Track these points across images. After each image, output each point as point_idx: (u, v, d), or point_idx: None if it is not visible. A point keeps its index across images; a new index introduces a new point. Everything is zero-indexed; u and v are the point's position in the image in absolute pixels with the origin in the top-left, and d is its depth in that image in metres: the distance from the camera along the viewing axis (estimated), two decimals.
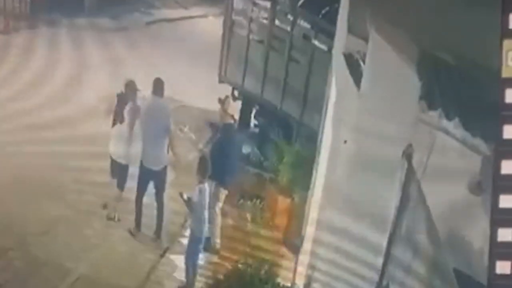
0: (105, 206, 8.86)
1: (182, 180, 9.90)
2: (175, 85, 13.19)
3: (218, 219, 8.58)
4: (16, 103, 12.03)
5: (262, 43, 11.21)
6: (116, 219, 8.78)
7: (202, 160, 8.05)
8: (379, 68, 5.95)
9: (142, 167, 8.56)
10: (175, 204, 8.73)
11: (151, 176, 8.58)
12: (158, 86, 8.65)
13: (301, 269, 7.48)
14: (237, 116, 11.06)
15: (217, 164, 8.34)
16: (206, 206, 7.72)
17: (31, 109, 11.83)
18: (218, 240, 8.55)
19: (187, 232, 8.37)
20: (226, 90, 11.86)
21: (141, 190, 8.61)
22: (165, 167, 8.65)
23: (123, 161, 8.70)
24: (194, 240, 7.76)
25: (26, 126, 11.05)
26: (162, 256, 8.36)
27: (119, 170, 8.73)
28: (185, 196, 7.58)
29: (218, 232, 8.56)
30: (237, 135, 9.11)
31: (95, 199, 9.09)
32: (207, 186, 7.75)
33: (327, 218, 6.99)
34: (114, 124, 8.73)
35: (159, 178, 8.60)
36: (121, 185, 8.75)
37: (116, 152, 8.69)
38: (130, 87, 8.70)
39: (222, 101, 8.83)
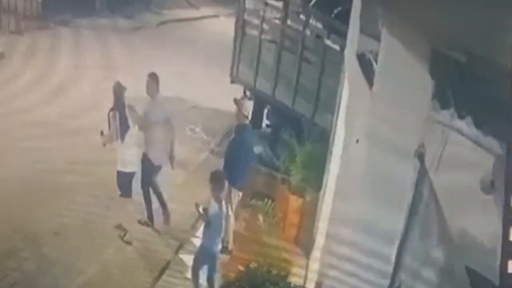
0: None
1: (193, 181, 9.94)
2: (187, 85, 13.25)
3: (232, 220, 8.56)
4: (28, 102, 12.10)
5: (274, 43, 11.18)
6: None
7: (216, 174, 7.49)
8: (391, 67, 5.93)
9: (144, 157, 8.61)
10: (186, 204, 8.74)
11: (151, 168, 8.63)
12: (152, 81, 8.66)
13: (313, 270, 7.46)
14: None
15: (231, 164, 8.33)
16: (223, 224, 7.40)
17: (43, 108, 11.89)
18: (230, 241, 8.54)
19: (199, 232, 8.36)
20: (238, 90, 11.89)
21: (145, 179, 8.67)
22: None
23: (132, 169, 8.70)
24: (206, 253, 7.36)
25: (38, 125, 11.10)
26: (172, 256, 8.36)
27: (124, 179, 8.73)
28: (200, 209, 7.27)
29: (231, 232, 8.55)
30: (251, 136, 9.09)
31: (106, 199, 9.10)
32: (224, 204, 7.43)
33: (340, 218, 6.97)
34: (122, 139, 8.67)
35: (156, 170, 8.66)
36: (128, 194, 8.74)
37: (125, 162, 8.68)
38: (120, 88, 8.67)
39: (238, 101, 8.78)
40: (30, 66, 13.95)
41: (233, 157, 8.43)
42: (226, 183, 7.45)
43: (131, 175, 8.84)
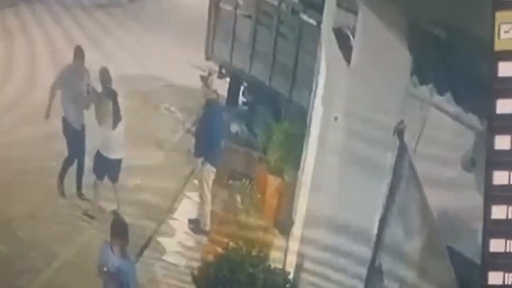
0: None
1: (169, 160, 9.83)
2: (160, 63, 13.07)
3: (208, 200, 8.49)
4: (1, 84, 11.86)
5: (250, 18, 11.04)
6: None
7: (117, 222, 6.46)
8: (369, 42, 5.85)
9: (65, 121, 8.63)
10: (162, 184, 8.64)
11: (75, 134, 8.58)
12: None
13: (292, 250, 7.42)
14: (224, 93, 10.93)
15: (203, 141, 8.28)
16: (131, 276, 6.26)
17: (15, 90, 11.65)
18: (208, 222, 8.48)
19: (176, 214, 8.29)
20: (213, 67, 11.73)
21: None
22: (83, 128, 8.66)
23: (119, 156, 8.52)
24: None
25: (9, 108, 10.89)
26: (149, 239, 8.28)
27: (114, 165, 8.53)
28: (104, 269, 6.21)
29: (208, 213, 8.50)
30: (221, 110, 9.01)
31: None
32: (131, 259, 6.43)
33: (319, 196, 6.92)
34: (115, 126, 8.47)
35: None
36: (116, 179, 8.57)
37: (113, 149, 8.52)
38: (107, 75, 8.48)
39: (204, 78, 8.74)
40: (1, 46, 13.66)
41: (205, 134, 8.41)
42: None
43: (110, 161, 8.62)
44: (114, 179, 8.51)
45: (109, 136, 8.39)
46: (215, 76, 9.54)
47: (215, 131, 8.49)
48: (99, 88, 8.56)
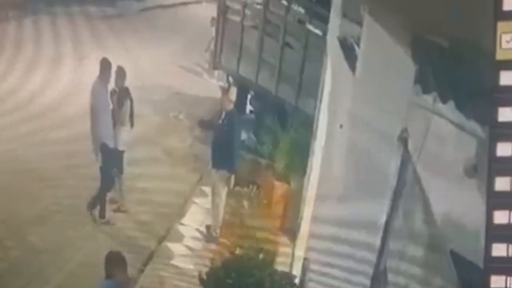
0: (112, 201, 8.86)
1: (178, 167, 9.93)
2: (169, 72, 13.20)
3: (221, 208, 8.57)
4: (14, 92, 11.99)
5: (256, 28, 11.14)
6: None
7: (112, 256, 5.70)
8: (373, 52, 5.92)
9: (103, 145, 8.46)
10: (171, 191, 8.70)
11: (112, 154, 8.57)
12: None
13: (298, 254, 7.48)
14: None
15: (223, 152, 8.34)
16: None
17: (29, 98, 11.79)
18: (218, 228, 8.56)
19: (184, 220, 8.33)
20: (221, 76, 11.85)
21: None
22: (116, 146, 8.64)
23: (122, 148, 8.73)
24: None
25: (21, 116, 11.01)
26: (158, 244, 8.35)
27: (118, 157, 8.73)
28: None
29: (220, 220, 8.58)
30: (238, 120, 9.13)
31: (92, 186, 9.04)
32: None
33: (324, 204, 6.98)
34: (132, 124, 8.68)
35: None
36: (121, 170, 8.78)
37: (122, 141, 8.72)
38: (122, 74, 8.62)
39: (224, 89, 8.84)
40: (18, 55, 13.81)
41: (225, 144, 8.45)
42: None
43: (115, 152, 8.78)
44: (121, 170, 8.75)
45: (121, 131, 8.61)
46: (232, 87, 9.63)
47: (235, 141, 8.58)
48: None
